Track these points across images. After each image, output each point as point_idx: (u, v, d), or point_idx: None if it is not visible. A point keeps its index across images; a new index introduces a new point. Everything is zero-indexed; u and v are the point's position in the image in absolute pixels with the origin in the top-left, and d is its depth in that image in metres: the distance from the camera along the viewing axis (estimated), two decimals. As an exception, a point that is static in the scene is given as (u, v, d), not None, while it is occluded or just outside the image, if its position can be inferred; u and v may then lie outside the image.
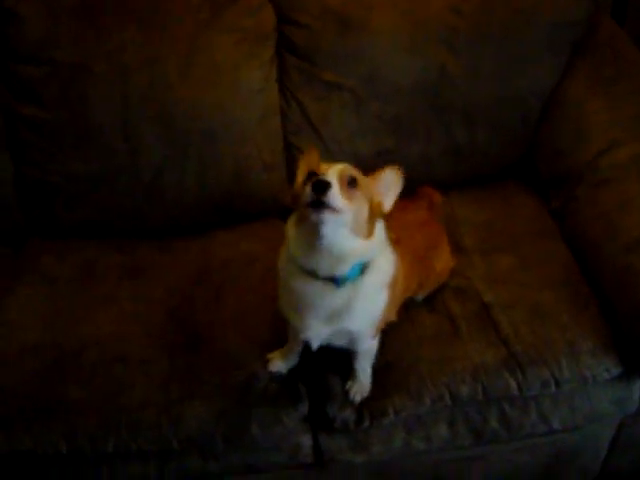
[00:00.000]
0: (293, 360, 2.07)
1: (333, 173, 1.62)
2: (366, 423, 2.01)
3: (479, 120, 2.52)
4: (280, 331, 2.08)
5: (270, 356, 2.08)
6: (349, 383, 2.04)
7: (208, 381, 2.04)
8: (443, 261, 2.23)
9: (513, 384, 2.01)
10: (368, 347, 1.97)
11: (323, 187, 1.55)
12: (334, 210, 1.57)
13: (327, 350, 1.98)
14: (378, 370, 2.04)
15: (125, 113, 2.37)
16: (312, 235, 1.65)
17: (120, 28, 2.37)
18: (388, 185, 1.74)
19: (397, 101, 2.45)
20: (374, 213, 1.71)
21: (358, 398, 2.02)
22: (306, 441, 2.09)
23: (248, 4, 2.40)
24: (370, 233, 1.71)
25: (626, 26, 2.81)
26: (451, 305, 2.18)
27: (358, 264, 1.72)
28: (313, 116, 2.46)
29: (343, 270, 1.70)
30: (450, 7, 2.41)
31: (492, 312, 2.14)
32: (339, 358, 2.05)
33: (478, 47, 2.43)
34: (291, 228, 1.75)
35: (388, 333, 2.05)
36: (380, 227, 1.76)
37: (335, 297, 1.75)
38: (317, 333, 1.85)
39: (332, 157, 2.36)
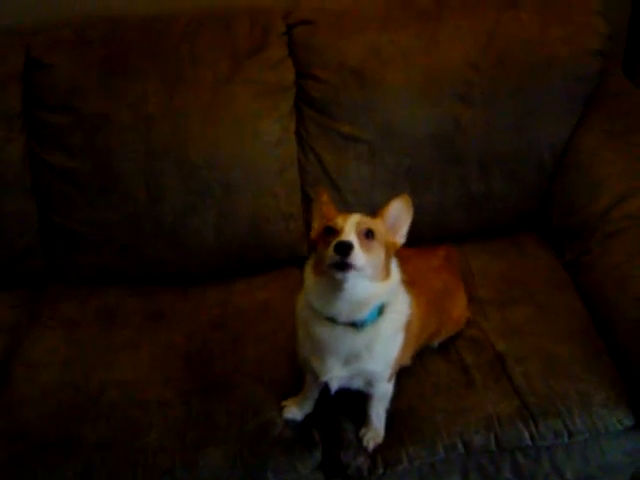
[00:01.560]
0: (308, 407, 2.09)
1: (351, 229, 1.67)
2: (380, 471, 2.02)
3: (494, 172, 2.55)
4: (295, 378, 2.10)
5: (285, 403, 2.09)
6: (363, 430, 2.05)
7: (224, 427, 2.05)
8: (460, 308, 2.26)
9: (526, 434, 2.02)
10: (384, 391, 1.99)
11: (345, 249, 1.61)
12: (357, 269, 1.63)
13: (341, 397, 2.01)
14: (392, 418, 2.05)
15: (147, 162, 2.42)
16: (333, 288, 1.70)
17: (143, 79, 2.43)
18: (399, 215, 1.81)
19: (412, 153, 2.49)
20: (389, 252, 1.77)
21: (372, 445, 2.03)
22: (320, 489, 2.09)
23: (268, 58, 2.46)
24: (387, 274, 1.76)
25: (637, 80, 2.85)
26: (465, 355, 2.20)
27: (376, 307, 1.77)
28: (330, 167, 2.50)
29: (363, 315, 1.75)
30: (466, 62, 2.45)
31: (506, 363, 2.15)
32: (353, 405, 2.07)
33: (493, 100, 2.48)
34: (309, 276, 1.80)
35: (403, 381, 2.06)
36: (395, 267, 1.81)
37: (355, 340, 1.79)
38: (337, 375, 1.88)
39: (349, 207, 2.42)
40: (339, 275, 1.65)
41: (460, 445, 2.01)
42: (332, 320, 1.76)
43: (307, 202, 2.53)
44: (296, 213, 2.54)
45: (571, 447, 2.07)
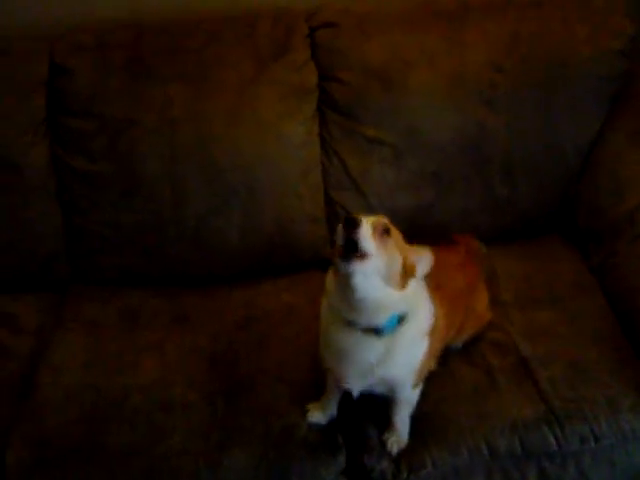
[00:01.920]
0: (331, 410, 2.08)
1: (367, 220, 1.64)
2: (404, 475, 2.00)
3: (519, 174, 2.53)
4: (320, 381, 2.10)
5: (309, 407, 2.09)
6: (386, 434, 2.04)
7: (248, 429, 2.05)
8: (482, 303, 2.25)
9: (552, 439, 2.00)
10: (409, 396, 1.98)
11: (353, 223, 1.59)
12: (363, 256, 1.60)
13: (365, 400, 2.00)
14: (416, 422, 2.04)
15: (171, 165, 2.43)
16: (346, 287, 1.68)
17: (167, 82, 2.44)
18: (419, 260, 1.76)
19: (436, 156, 2.48)
20: (407, 272, 1.74)
21: (395, 449, 2.02)
22: (343, 494, 2.09)
23: (292, 60, 2.46)
24: (403, 286, 1.74)
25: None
26: (490, 359, 2.18)
27: (395, 315, 1.76)
28: (353, 171, 2.49)
29: (381, 320, 1.74)
30: (491, 64, 2.44)
31: (531, 366, 2.14)
32: (377, 408, 2.06)
33: (518, 102, 2.47)
34: (331, 280, 1.79)
35: (427, 384, 2.04)
36: (415, 282, 1.79)
37: (374, 347, 1.78)
38: (357, 382, 1.88)
39: (372, 211, 2.38)
40: (343, 267, 1.62)
41: (485, 449, 2.00)
42: (352, 324, 1.76)
43: (331, 205, 2.54)
44: (320, 215, 2.54)
45: (598, 452, 2.05)
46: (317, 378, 2.13)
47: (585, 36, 2.47)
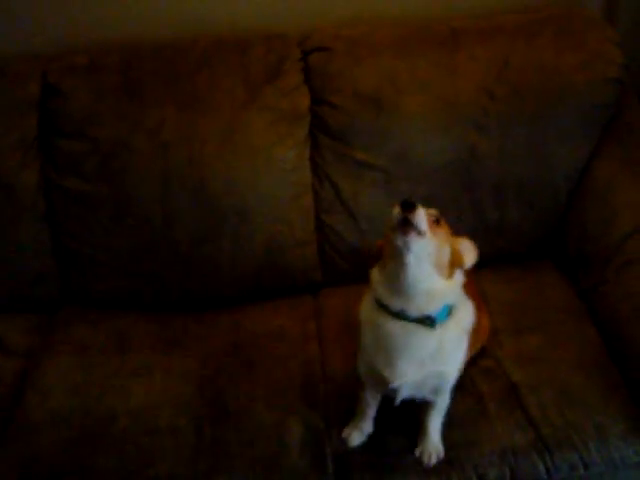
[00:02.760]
0: (369, 427, 2.06)
1: (421, 208, 1.67)
2: (393, 501, 1.98)
3: (509, 200, 2.54)
4: (310, 405, 2.11)
5: (346, 432, 2.06)
6: (421, 447, 2.00)
7: (236, 455, 2.03)
8: (485, 318, 2.23)
9: (541, 467, 1.99)
10: (446, 398, 1.97)
11: (410, 205, 1.63)
12: (419, 232, 1.63)
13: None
14: (405, 448, 2.03)
15: (163, 188, 2.42)
16: (397, 269, 1.69)
17: (160, 105, 2.44)
18: (465, 250, 1.81)
19: (427, 180, 2.48)
20: (455, 261, 1.77)
21: (434, 459, 1.98)
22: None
23: (284, 85, 2.47)
24: (450, 275, 1.77)
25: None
26: (479, 385, 2.17)
27: (446, 307, 1.78)
28: (344, 194, 2.49)
29: (433, 309, 1.75)
30: (482, 90, 2.45)
31: (520, 393, 2.12)
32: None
33: (509, 129, 2.47)
34: (376, 274, 1.80)
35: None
36: (459, 274, 1.81)
37: (427, 339, 1.78)
38: (409, 379, 1.84)
39: (364, 235, 2.46)
40: (400, 240, 1.64)
41: (475, 478, 1.98)
42: (402, 317, 1.76)
43: (321, 229, 2.54)
44: (310, 240, 2.54)
45: (588, 480, 2.04)
46: (307, 402, 2.13)
47: (578, 64, 2.48)
